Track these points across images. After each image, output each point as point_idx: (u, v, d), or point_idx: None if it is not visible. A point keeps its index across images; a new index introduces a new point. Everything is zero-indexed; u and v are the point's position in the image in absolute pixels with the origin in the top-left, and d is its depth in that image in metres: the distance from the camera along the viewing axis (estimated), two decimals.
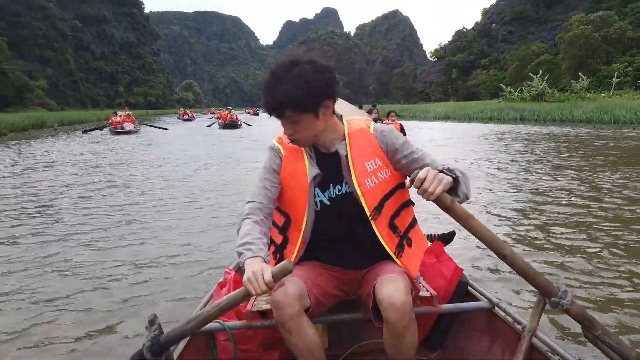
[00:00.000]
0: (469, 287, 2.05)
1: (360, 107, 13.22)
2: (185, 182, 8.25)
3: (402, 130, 10.45)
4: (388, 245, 1.67)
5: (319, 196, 1.67)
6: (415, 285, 1.70)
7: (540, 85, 43.54)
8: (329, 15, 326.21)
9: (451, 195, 1.34)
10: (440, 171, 1.35)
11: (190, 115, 45.47)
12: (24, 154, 13.72)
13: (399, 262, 1.69)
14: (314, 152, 1.68)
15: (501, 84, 56.12)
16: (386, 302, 1.47)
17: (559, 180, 7.72)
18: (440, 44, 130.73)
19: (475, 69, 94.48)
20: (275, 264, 1.66)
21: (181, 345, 1.62)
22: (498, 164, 10.19)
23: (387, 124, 9.74)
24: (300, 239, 1.68)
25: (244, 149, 14.95)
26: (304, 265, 1.70)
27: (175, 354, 1.57)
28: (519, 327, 1.66)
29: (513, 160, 10.71)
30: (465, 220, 1.32)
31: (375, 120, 10.35)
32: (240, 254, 1.43)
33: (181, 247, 4.37)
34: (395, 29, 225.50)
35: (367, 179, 1.62)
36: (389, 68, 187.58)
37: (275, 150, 1.72)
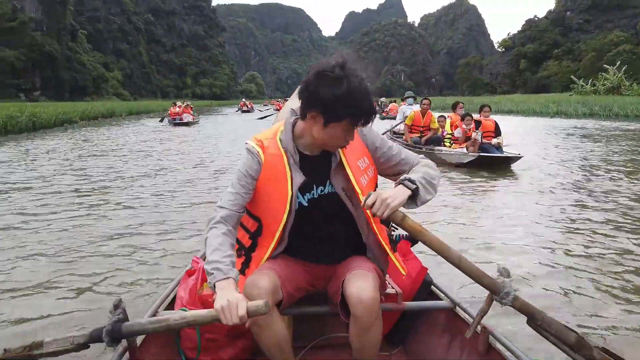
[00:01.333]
0: (432, 286, 2.10)
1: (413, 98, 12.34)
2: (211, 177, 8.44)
3: (497, 127, 8.89)
4: (384, 241, 1.69)
5: (297, 198, 1.64)
6: (382, 282, 1.72)
7: (616, 77, 40.49)
8: (393, 6, 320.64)
9: (410, 203, 1.49)
10: (401, 181, 1.50)
11: (249, 106, 46.05)
12: (88, 140, 14.72)
13: (394, 258, 1.73)
14: (298, 156, 1.63)
15: (572, 77, 52.72)
16: (355, 297, 1.49)
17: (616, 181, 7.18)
18: (509, 34, 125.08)
19: (547, 60, 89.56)
20: (242, 264, 1.71)
21: None
22: (553, 161, 9.59)
23: (480, 120, 7.96)
24: (273, 245, 1.65)
25: None
26: (277, 259, 1.69)
27: (138, 340, 1.60)
28: (479, 327, 1.70)
29: (571, 160, 10.06)
30: (416, 234, 1.45)
31: (463, 117, 8.94)
32: (209, 274, 1.41)
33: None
34: (461, 18, 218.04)
35: (362, 177, 1.63)
36: (454, 59, 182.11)
37: (253, 154, 1.63)
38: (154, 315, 1.72)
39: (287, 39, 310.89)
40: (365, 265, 1.63)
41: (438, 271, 3.34)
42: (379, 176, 1.75)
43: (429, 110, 9.80)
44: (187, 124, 21.92)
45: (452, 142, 9.16)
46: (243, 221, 1.71)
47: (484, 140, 8.55)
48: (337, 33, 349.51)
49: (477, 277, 1.44)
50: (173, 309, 1.89)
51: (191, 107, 24.58)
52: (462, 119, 8.93)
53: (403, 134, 10.83)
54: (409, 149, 2.00)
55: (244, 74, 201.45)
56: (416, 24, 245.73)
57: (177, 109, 22.70)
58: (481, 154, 8.05)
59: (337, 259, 1.73)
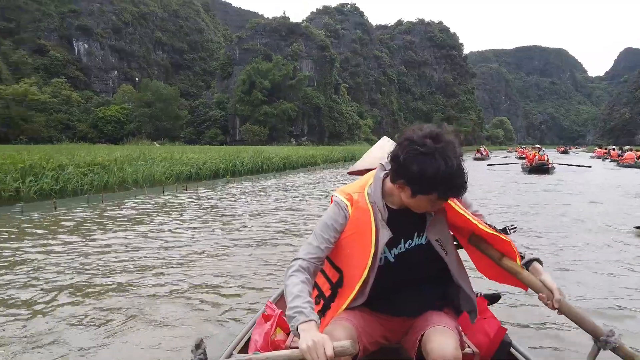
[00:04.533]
0: (512, 348, 1.96)
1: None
2: None
3: None
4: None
5: (384, 253, 1.63)
6: (461, 340, 1.66)
7: None
8: None
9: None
10: (534, 259, 1.66)
11: (485, 153, 42.50)
12: (317, 181, 17.18)
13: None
14: (386, 211, 1.62)
15: None
16: (436, 354, 1.45)
17: None
18: None
19: None
20: (319, 311, 1.71)
21: None
22: None
23: None
24: (351, 297, 1.64)
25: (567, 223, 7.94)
26: (354, 310, 1.67)
27: None
28: None
29: None
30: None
31: None
32: (291, 318, 1.41)
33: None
34: None
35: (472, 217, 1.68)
36: None
37: (342, 208, 1.63)
38: (229, 357, 1.75)
39: (544, 81, 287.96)
40: (446, 322, 1.60)
41: (518, 333, 3.12)
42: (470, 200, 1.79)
43: None
44: None
45: None
46: (325, 269, 1.74)
47: None
48: (606, 72, 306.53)
49: (578, 319, 1.51)
50: (247, 352, 1.91)
51: None
52: None
53: None
54: None
55: (492, 119, 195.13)
56: None
57: None
58: None
59: (413, 311, 1.70)
